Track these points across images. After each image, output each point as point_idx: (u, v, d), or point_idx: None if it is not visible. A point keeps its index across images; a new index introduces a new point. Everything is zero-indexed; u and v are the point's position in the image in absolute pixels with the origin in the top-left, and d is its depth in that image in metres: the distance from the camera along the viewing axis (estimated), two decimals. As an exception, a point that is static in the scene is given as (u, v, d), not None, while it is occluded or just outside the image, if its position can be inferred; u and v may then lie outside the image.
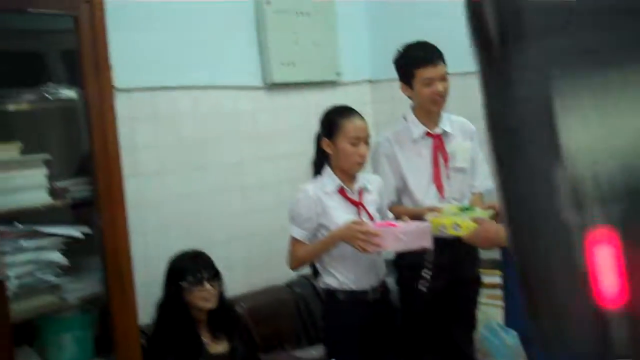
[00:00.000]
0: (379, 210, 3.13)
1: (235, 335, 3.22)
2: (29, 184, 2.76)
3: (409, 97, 3.35)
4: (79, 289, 2.89)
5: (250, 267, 4.00)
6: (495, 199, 3.36)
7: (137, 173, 3.41)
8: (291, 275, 3.81)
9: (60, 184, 2.85)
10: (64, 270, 2.83)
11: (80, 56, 2.79)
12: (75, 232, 2.86)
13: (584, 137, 0.69)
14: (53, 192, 2.82)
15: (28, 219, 2.75)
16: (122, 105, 2.98)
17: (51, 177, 2.82)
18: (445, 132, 3.35)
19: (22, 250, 2.69)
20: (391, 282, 3.31)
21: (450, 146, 3.35)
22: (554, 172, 0.70)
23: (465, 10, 0.92)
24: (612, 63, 0.69)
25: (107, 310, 2.94)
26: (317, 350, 3.47)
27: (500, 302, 3.72)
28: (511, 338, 3.42)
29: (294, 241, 3.01)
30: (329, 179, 3.00)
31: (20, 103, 2.74)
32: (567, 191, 0.69)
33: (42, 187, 2.78)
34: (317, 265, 3.05)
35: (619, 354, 0.64)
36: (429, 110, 3.30)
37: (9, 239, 2.66)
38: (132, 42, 3.32)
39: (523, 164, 0.75)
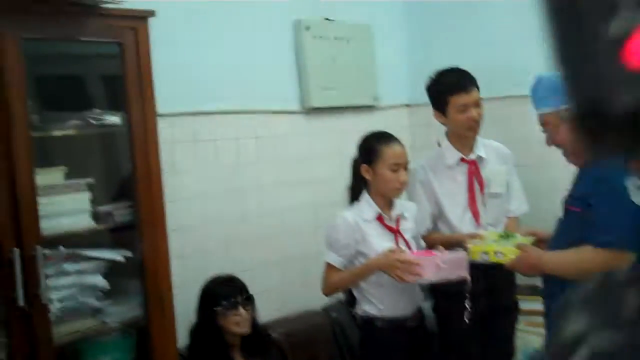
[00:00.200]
0: (415, 238, 3.11)
1: (269, 359, 3.22)
2: (73, 208, 2.80)
3: (443, 124, 3.35)
4: (119, 312, 2.92)
5: (287, 292, 4.00)
6: (529, 222, 3.37)
7: (177, 197, 3.43)
8: (327, 299, 3.80)
9: (103, 208, 2.89)
10: (105, 294, 2.86)
11: (125, 82, 2.83)
12: (117, 255, 2.89)
13: None
14: (96, 216, 2.86)
15: (71, 242, 2.78)
16: (163, 130, 3.01)
17: (94, 201, 2.86)
18: (480, 157, 3.33)
19: (65, 273, 2.73)
20: (427, 307, 3.29)
21: (486, 171, 3.34)
22: None
23: None
24: None
25: (146, 334, 2.95)
26: (354, 376, 3.46)
27: (538, 329, 3.66)
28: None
29: (329, 267, 3.01)
30: (367, 206, 3.00)
31: (66, 129, 2.78)
32: None
33: (86, 211, 2.83)
34: (355, 293, 3.04)
35: None
36: (464, 136, 3.29)
37: (53, 263, 2.69)
38: (173, 67, 3.36)
39: None
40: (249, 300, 3.15)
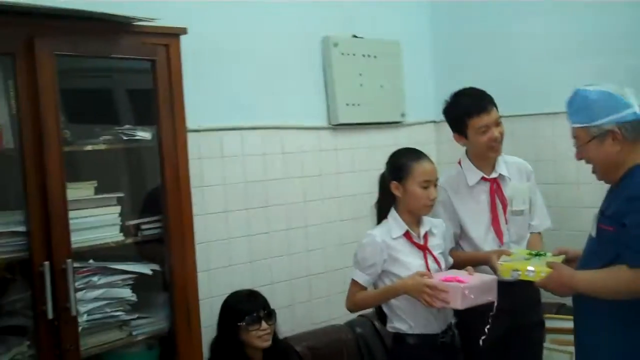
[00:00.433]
0: (443, 255, 3.11)
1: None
2: (103, 222, 2.82)
3: (464, 146, 3.33)
4: (146, 324, 2.94)
5: (311, 306, 4.01)
6: (556, 240, 3.35)
7: (204, 211, 3.46)
8: (352, 315, 3.80)
9: (132, 221, 2.92)
10: (132, 306, 2.88)
11: (156, 98, 2.86)
12: (145, 269, 2.92)
13: None
14: (125, 230, 2.88)
15: (100, 255, 2.82)
16: (192, 145, 3.03)
17: (123, 215, 2.89)
18: (501, 176, 3.32)
19: (94, 286, 2.76)
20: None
21: (508, 189, 3.32)
22: None
23: None
24: None
25: (172, 346, 2.97)
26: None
27: (566, 347, 3.64)
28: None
29: (355, 284, 3.01)
30: (395, 224, 3.00)
31: (97, 144, 2.82)
32: None
33: (115, 225, 2.86)
34: (385, 309, 3.02)
35: None
36: (486, 156, 3.28)
37: (83, 276, 2.73)
38: (201, 83, 3.39)
39: None
40: (270, 315, 3.17)
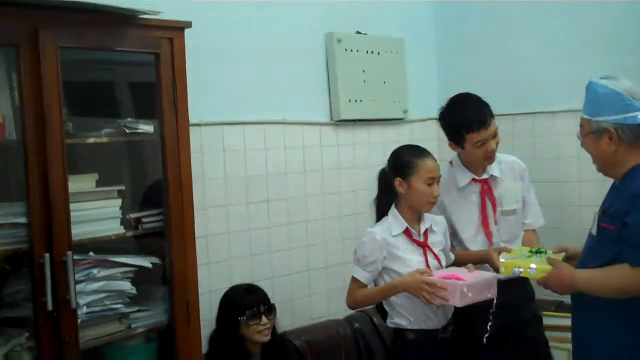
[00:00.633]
0: (444, 252, 3.11)
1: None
2: (104, 215, 2.82)
3: (456, 151, 3.33)
4: (145, 317, 2.94)
5: (311, 301, 4.02)
6: (551, 236, 3.35)
7: (204, 205, 3.46)
8: (350, 310, 3.81)
9: (133, 214, 2.92)
10: (132, 299, 2.89)
11: (159, 91, 2.86)
12: (145, 262, 2.92)
13: None
14: (126, 223, 2.89)
15: (101, 248, 2.82)
16: (193, 139, 3.03)
17: (124, 208, 2.89)
18: (492, 177, 3.31)
19: (94, 279, 2.76)
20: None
21: (499, 190, 3.32)
22: None
23: None
24: None
25: (170, 339, 2.97)
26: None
27: (564, 345, 3.64)
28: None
29: (355, 281, 3.02)
30: (395, 221, 3.00)
31: (100, 136, 2.82)
32: None
33: (116, 218, 2.86)
34: (385, 305, 3.04)
35: None
36: (480, 164, 3.28)
37: (83, 268, 2.72)
38: (204, 77, 3.39)
39: None
40: (270, 309, 3.19)
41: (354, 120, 4.17)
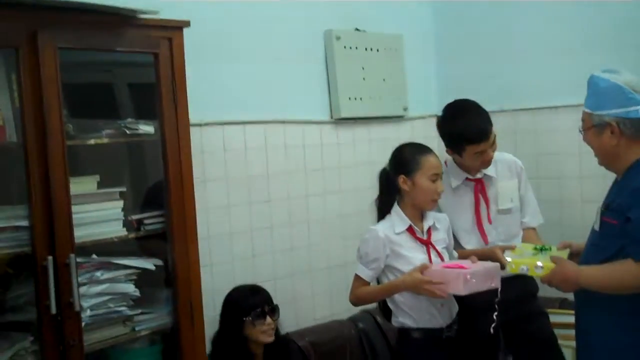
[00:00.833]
0: (447, 249, 3.10)
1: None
2: (106, 216, 2.81)
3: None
4: (149, 320, 2.93)
5: (314, 301, 4.00)
6: (553, 232, 3.34)
7: (206, 206, 3.44)
8: (354, 310, 3.80)
9: (135, 216, 2.91)
10: (135, 302, 2.87)
11: (159, 91, 2.84)
12: (148, 264, 2.90)
13: None
14: (128, 225, 2.87)
15: (103, 250, 2.80)
16: (194, 139, 3.02)
17: (126, 210, 2.87)
18: (487, 176, 3.30)
19: (97, 281, 2.74)
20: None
21: (493, 189, 3.31)
22: None
23: None
24: None
25: (174, 341, 2.96)
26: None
27: (569, 342, 3.63)
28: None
29: (357, 279, 3.01)
30: (398, 219, 2.99)
31: (100, 138, 2.80)
32: None
33: (118, 220, 2.84)
34: (390, 304, 3.03)
35: None
36: (476, 170, 3.27)
37: (86, 271, 2.71)
38: (203, 77, 3.37)
39: None
40: (274, 310, 3.19)
41: (354, 119, 4.16)
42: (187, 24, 2.89)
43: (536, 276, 2.80)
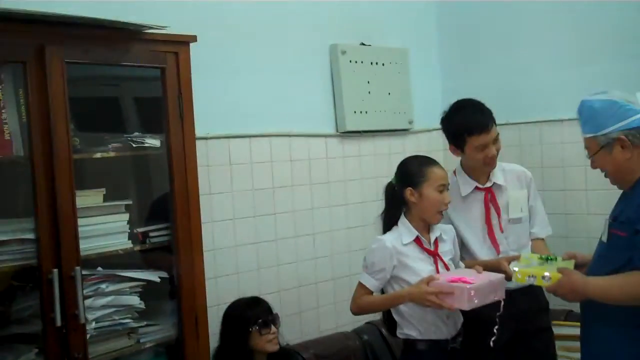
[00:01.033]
0: (453, 260, 3.10)
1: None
2: (111, 229, 2.83)
3: (458, 157, 3.32)
4: (154, 332, 2.94)
5: (319, 313, 4.00)
6: (559, 244, 3.34)
7: (211, 219, 3.46)
8: (359, 322, 3.80)
9: (140, 229, 2.92)
10: (140, 314, 2.88)
11: (166, 105, 2.87)
12: (153, 276, 2.92)
13: None
14: (133, 237, 2.89)
15: (109, 263, 2.82)
16: (199, 152, 3.03)
17: (132, 223, 2.89)
18: (496, 185, 3.30)
19: (102, 294, 2.76)
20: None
21: (503, 198, 3.31)
22: None
23: None
24: None
25: (180, 354, 2.97)
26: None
27: (574, 354, 3.62)
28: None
29: (361, 288, 3.00)
30: (406, 230, 2.99)
31: (107, 151, 2.82)
32: None
33: (124, 233, 2.86)
34: (395, 316, 3.01)
35: None
36: (481, 170, 3.27)
37: (91, 283, 2.73)
38: (209, 90, 3.39)
39: None
40: (275, 318, 3.21)
41: (359, 132, 4.18)
42: (193, 38, 2.92)
43: (543, 286, 2.79)
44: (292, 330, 3.73)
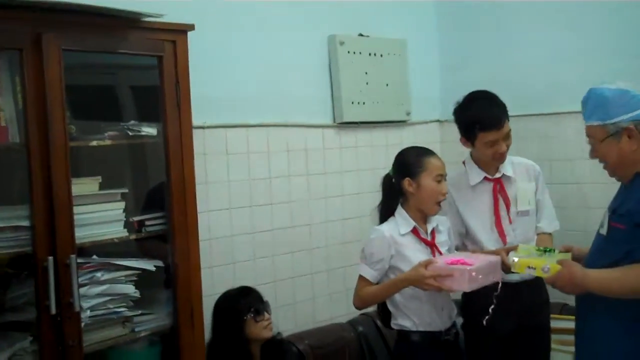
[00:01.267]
0: (449, 251, 3.11)
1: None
2: (107, 217, 2.82)
3: (468, 148, 3.32)
4: (148, 321, 2.94)
5: (314, 304, 4.01)
6: (563, 238, 3.33)
7: (207, 208, 3.45)
8: (354, 313, 3.80)
9: (136, 217, 2.92)
10: (135, 303, 2.88)
11: (163, 94, 2.86)
12: (148, 265, 2.91)
13: None
14: (129, 226, 2.88)
15: (104, 251, 2.81)
16: (196, 142, 3.02)
17: (127, 211, 2.88)
18: (505, 176, 3.30)
19: (97, 282, 2.75)
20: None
21: (512, 189, 3.31)
22: None
23: None
24: None
25: (174, 343, 2.97)
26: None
27: (569, 348, 3.63)
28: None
29: (362, 280, 3.00)
30: (403, 220, 2.99)
31: (103, 139, 2.81)
32: None
33: (119, 221, 2.85)
34: (390, 307, 3.02)
35: None
36: (490, 163, 3.27)
37: (86, 271, 2.72)
38: (207, 80, 3.39)
39: None
40: (266, 305, 3.24)
41: (356, 123, 4.17)
42: (191, 27, 2.91)
43: (542, 277, 2.78)
44: (286, 321, 3.74)
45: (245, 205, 3.68)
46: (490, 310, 2.89)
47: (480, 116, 3.16)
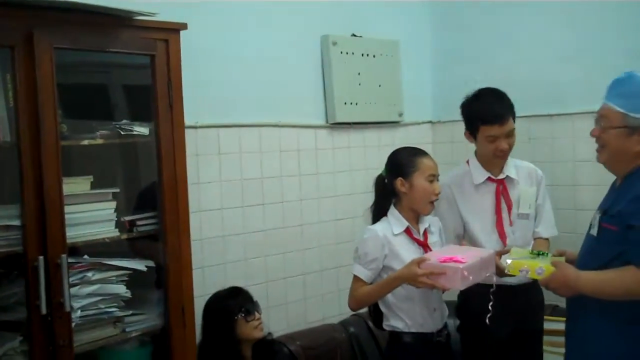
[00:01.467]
0: (441, 251, 3.11)
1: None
2: (98, 217, 2.81)
3: (471, 143, 3.33)
4: (139, 321, 2.93)
5: (306, 305, 4.00)
6: (566, 241, 3.33)
7: (199, 208, 3.44)
8: (346, 314, 3.80)
9: (128, 217, 2.91)
10: (126, 303, 2.87)
11: (155, 93, 2.85)
12: (139, 265, 2.90)
13: None
14: (120, 226, 2.87)
15: (95, 251, 2.80)
16: (188, 142, 3.01)
17: (119, 211, 2.87)
18: (508, 178, 3.31)
19: (88, 282, 2.74)
20: (451, 325, 3.26)
21: (515, 192, 3.31)
22: None
23: None
24: None
25: (165, 344, 2.96)
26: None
27: (560, 349, 3.63)
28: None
29: (356, 280, 2.98)
30: (396, 221, 2.99)
31: (95, 138, 2.80)
32: None
33: (111, 221, 2.84)
34: (382, 307, 3.02)
35: None
36: (492, 162, 3.27)
37: (77, 271, 2.71)
38: (199, 79, 3.37)
39: None
40: (256, 305, 3.22)
41: (349, 123, 4.16)
42: (184, 26, 2.90)
43: (536, 279, 2.77)
44: (278, 322, 3.73)
45: (237, 206, 3.67)
46: (489, 307, 2.90)
47: (483, 110, 3.19)
